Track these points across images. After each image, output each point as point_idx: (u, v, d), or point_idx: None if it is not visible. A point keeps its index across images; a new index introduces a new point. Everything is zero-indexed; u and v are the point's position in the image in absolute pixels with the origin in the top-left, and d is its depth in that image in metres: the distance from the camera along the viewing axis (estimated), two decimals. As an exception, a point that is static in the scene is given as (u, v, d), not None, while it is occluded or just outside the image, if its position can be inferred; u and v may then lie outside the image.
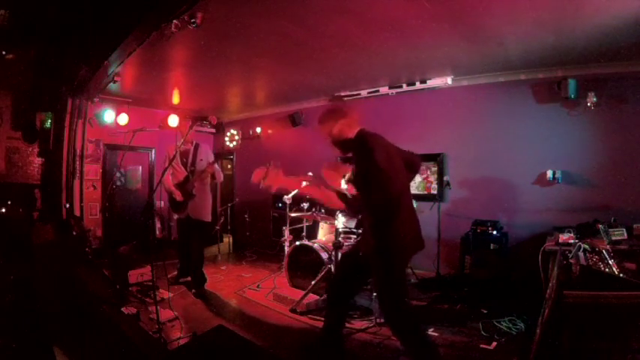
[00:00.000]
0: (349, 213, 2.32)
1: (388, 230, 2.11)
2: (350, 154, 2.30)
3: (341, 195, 2.17)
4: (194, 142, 4.16)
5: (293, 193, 4.66)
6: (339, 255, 3.37)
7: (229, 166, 8.17)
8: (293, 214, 4.59)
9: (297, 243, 4.10)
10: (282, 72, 4.81)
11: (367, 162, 2.07)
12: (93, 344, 2.63)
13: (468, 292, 3.75)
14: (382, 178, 2.00)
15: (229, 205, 6.64)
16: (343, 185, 2.23)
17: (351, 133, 2.24)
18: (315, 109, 6.17)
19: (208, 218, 4.20)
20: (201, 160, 4.09)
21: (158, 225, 6.28)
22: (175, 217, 4.34)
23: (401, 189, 2.08)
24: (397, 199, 2.04)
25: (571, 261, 2.36)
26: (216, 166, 4.09)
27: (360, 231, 2.50)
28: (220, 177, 4.20)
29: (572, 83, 3.96)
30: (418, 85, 5.03)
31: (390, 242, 2.11)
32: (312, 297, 3.63)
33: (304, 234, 4.52)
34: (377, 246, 2.14)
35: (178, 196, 4.00)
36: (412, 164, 2.39)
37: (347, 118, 2.25)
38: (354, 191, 2.15)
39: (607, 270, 2.30)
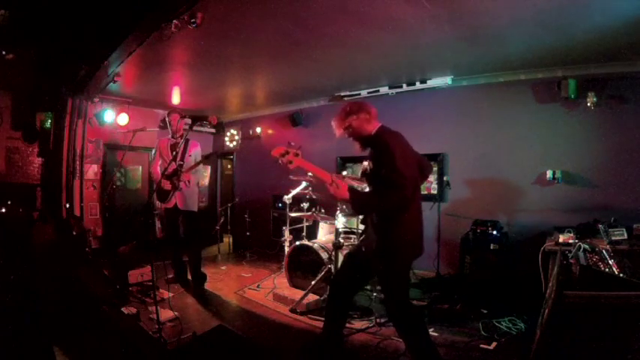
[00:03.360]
0: (354, 208, 2.30)
1: (393, 228, 2.12)
2: (368, 150, 2.31)
3: (351, 188, 2.17)
4: (184, 138, 4.12)
5: (294, 192, 4.66)
6: (343, 254, 3.37)
7: (229, 166, 8.17)
8: (293, 214, 4.59)
9: (297, 243, 4.10)
10: (282, 72, 4.81)
11: (384, 160, 2.08)
12: (93, 344, 2.63)
13: (468, 292, 3.75)
14: (397, 179, 2.01)
15: (229, 205, 6.63)
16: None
17: (371, 129, 2.25)
18: (315, 109, 6.18)
19: (195, 208, 4.27)
20: (190, 156, 4.16)
21: (158, 225, 6.26)
22: (162, 207, 4.37)
23: (413, 191, 2.09)
24: (409, 200, 2.05)
25: (571, 261, 2.37)
26: (192, 172, 4.09)
27: (363, 227, 2.51)
28: (194, 182, 4.20)
29: (572, 83, 3.96)
30: (418, 85, 5.02)
31: (393, 240, 2.12)
32: (312, 297, 3.63)
33: (304, 234, 4.51)
34: (380, 243, 2.15)
35: (166, 185, 4.05)
36: (424, 169, 2.40)
37: (367, 113, 2.25)
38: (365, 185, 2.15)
39: (607, 270, 2.31)
